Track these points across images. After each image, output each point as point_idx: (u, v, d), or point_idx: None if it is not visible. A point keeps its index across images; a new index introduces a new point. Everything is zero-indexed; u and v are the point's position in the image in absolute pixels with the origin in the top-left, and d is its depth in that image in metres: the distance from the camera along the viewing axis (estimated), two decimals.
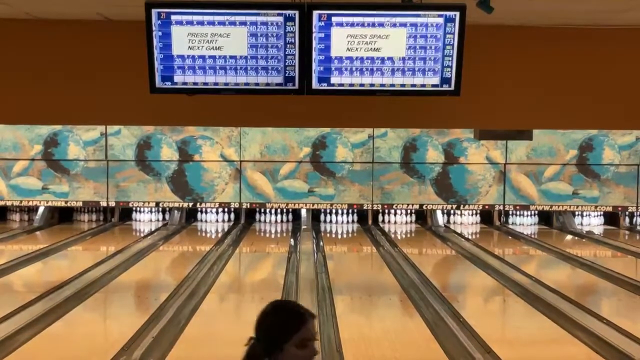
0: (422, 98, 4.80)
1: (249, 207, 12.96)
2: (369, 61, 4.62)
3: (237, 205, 12.91)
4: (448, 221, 13.30)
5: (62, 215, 13.41)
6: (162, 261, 10.14)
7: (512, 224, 13.33)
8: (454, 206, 12.93)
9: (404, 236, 12.28)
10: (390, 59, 4.62)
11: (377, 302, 7.52)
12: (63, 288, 7.48)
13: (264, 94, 4.71)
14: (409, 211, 13.30)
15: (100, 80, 5.95)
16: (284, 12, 4.51)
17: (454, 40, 4.58)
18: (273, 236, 12.27)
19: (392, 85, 4.68)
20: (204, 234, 12.73)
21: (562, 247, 10.80)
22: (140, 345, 5.51)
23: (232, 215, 13.40)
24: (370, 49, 4.59)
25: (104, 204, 12.90)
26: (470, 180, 12.89)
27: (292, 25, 4.52)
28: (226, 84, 4.65)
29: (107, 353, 5.29)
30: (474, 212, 13.27)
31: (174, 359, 5.39)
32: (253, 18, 4.52)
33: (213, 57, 4.60)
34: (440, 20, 4.55)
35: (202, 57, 4.59)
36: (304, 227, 12.43)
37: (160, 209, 13.30)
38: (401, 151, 12.84)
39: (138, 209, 13.36)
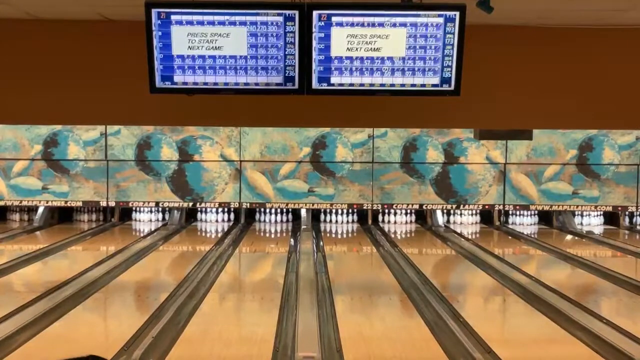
0: (422, 98, 4.81)
1: (248, 207, 12.95)
2: (369, 61, 4.63)
3: (237, 205, 12.90)
4: (448, 221, 13.30)
5: (62, 215, 13.40)
6: (162, 261, 10.13)
7: (512, 223, 13.33)
8: (454, 206, 12.93)
9: (404, 236, 12.28)
10: (390, 58, 4.62)
11: (377, 302, 7.52)
12: (63, 288, 7.48)
13: (263, 94, 4.71)
14: (409, 211, 13.30)
15: (100, 80, 5.96)
16: (283, 12, 4.51)
17: (454, 40, 4.59)
18: (273, 236, 12.27)
19: (392, 85, 4.68)
20: (203, 234, 12.73)
21: (562, 247, 10.80)
22: (140, 345, 5.51)
23: (232, 215, 13.40)
24: (370, 48, 4.60)
25: (103, 204, 12.90)
26: (470, 180, 12.89)
27: (292, 25, 4.53)
28: (226, 84, 4.65)
29: (107, 353, 5.28)
30: (474, 212, 13.26)
31: (174, 359, 5.39)
32: (253, 18, 4.53)
33: (213, 57, 4.60)
34: (440, 20, 4.55)
35: (202, 57, 4.60)
36: (303, 227, 12.43)
37: (160, 208, 13.30)
38: (401, 151, 12.84)
39: (138, 208, 13.36)
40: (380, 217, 13.29)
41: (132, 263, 9.29)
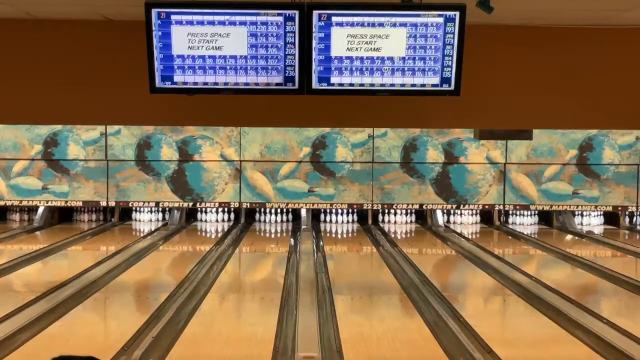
0: (422, 98, 4.81)
1: (248, 207, 12.95)
2: (369, 61, 4.63)
3: (237, 205, 12.90)
4: (448, 221, 13.30)
5: (62, 215, 13.41)
6: (162, 261, 10.13)
7: (512, 223, 13.33)
8: (454, 206, 12.93)
9: (404, 236, 12.28)
10: (390, 58, 4.62)
11: (377, 302, 7.52)
12: (63, 288, 7.48)
13: (264, 94, 4.71)
14: (409, 211, 13.30)
15: (100, 80, 5.96)
16: (283, 12, 4.51)
17: (453, 40, 4.59)
18: (273, 236, 12.27)
19: (392, 85, 4.68)
20: (204, 234, 12.73)
21: (562, 247, 10.80)
22: (140, 345, 5.50)
23: (232, 215, 13.40)
24: (370, 48, 4.60)
25: (104, 203, 12.90)
26: (470, 180, 12.89)
27: (292, 25, 4.53)
28: (226, 83, 4.65)
29: (107, 353, 5.29)
30: (474, 212, 13.26)
31: (174, 359, 5.39)
32: (253, 18, 4.53)
33: (213, 57, 4.60)
34: (440, 20, 4.55)
35: (202, 57, 4.60)
36: (304, 227, 12.43)
37: (160, 208, 13.30)
38: (401, 151, 12.84)
39: (138, 208, 13.36)
40: (380, 217, 13.29)
41: (132, 263, 9.29)
